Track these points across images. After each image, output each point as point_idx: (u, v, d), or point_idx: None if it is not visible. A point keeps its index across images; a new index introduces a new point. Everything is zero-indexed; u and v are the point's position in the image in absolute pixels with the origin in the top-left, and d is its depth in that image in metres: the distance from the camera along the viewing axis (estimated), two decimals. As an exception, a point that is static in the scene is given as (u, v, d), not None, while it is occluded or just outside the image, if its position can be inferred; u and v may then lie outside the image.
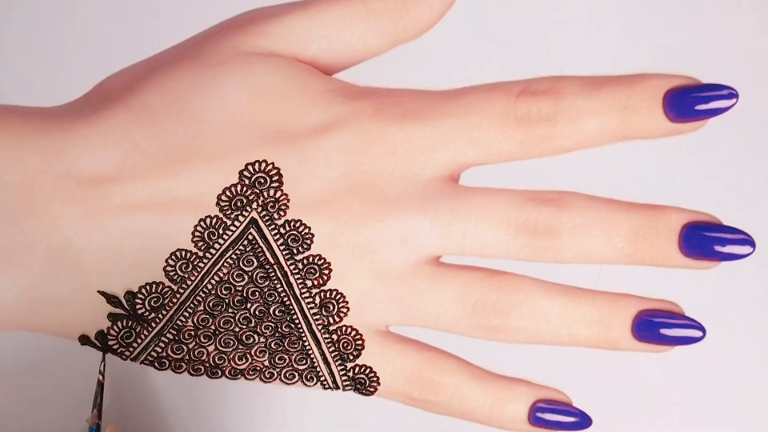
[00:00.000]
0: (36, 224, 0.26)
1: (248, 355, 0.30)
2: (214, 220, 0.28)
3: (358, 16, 0.28)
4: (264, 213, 0.28)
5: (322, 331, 0.29)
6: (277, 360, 0.30)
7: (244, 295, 0.29)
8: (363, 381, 0.30)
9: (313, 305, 0.29)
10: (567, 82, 0.27)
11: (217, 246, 0.28)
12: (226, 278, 0.28)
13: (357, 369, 0.30)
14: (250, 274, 0.29)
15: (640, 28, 0.49)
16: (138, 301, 0.28)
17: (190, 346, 0.29)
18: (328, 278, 0.29)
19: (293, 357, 0.30)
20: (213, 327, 0.29)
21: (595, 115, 0.27)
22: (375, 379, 0.30)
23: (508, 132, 0.28)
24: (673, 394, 0.50)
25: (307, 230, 0.28)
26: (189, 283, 0.28)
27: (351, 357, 0.30)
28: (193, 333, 0.29)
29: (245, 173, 0.27)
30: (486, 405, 0.30)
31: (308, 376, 0.30)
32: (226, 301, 0.29)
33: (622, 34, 0.49)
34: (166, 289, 0.28)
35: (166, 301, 0.28)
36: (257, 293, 0.29)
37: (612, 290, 0.29)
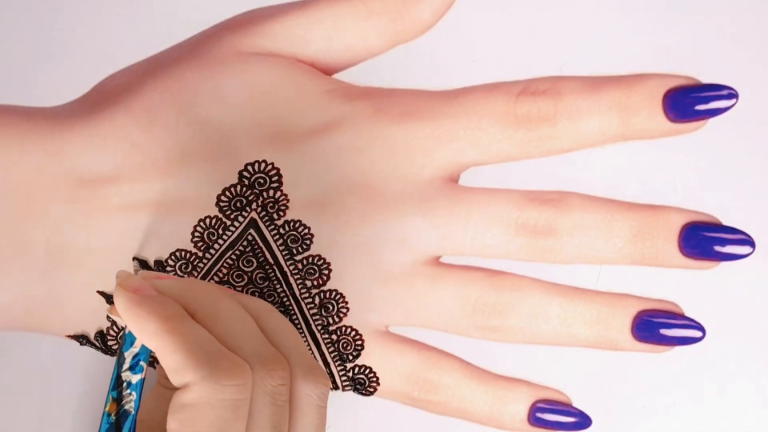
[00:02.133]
0: (35, 224, 0.26)
1: (248, 356, 0.30)
2: (214, 221, 0.28)
3: (358, 17, 0.28)
4: (263, 213, 0.28)
5: (322, 331, 0.29)
6: (276, 360, 0.30)
7: (244, 295, 0.29)
8: (363, 381, 0.30)
9: (312, 305, 0.29)
10: (567, 82, 0.27)
11: (216, 246, 0.28)
12: (226, 279, 0.28)
13: (357, 369, 0.30)
14: (249, 274, 0.29)
15: (640, 27, 0.49)
16: (138, 301, 0.28)
17: (190, 346, 0.29)
18: (328, 278, 0.29)
19: (293, 357, 0.30)
20: (213, 327, 0.29)
21: (595, 115, 0.27)
22: (375, 379, 0.30)
23: (508, 132, 0.28)
24: (673, 395, 0.50)
25: (306, 230, 0.28)
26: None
27: (350, 357, 0.30)
28: (192, 333, 0.29)
29: (245, 173, 0.27)
30: (485, 405, 0.30)
31: (308, 377, 0.30)
32: (226, 301, 0.29)
33: (621, 33, 0.49)
34: (166, 290, 0.28)
35: (165, 302, 0.28)
36: (257, 294, 0.29)
37: (612, 290, 0.29)
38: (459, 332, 0.30)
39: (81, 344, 0.29)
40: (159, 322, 0.24)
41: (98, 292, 0.28)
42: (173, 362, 0.23)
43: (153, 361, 0.29)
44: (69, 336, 0.28)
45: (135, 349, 0.25)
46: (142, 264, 0.27)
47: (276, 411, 0.24)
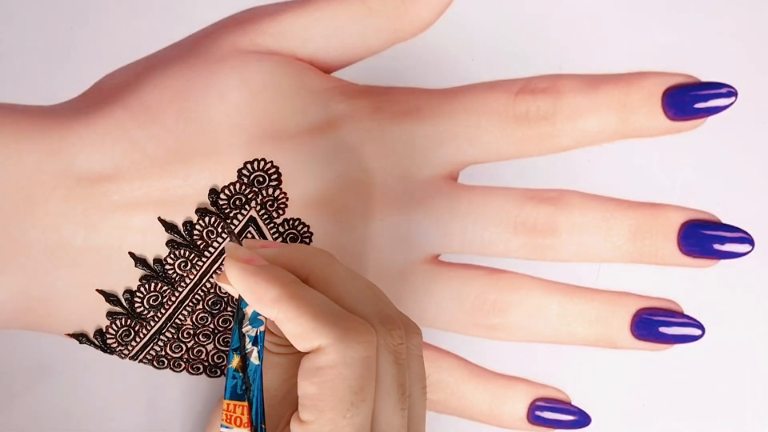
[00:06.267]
0: (35, 223, 0.26)
1: (247, 354, 0.30)
2: (213, 219, 0.28)
3: (357, 15, 0.28)
4: (263, 211, 0.28)
5: (321, 329, 0.29)
6: (275, 359, 0.30)
7: (243, 293, 0.29)
8: (362, 379, 0.30)
9: (311, 304, 0.29)
10: (566, 80, 0.27)
11: (216, 245, 0.28)
12: (225, 277, 0.28)
13: (356, 367, 0.30)
14: (248, 272, 0.29)
15: (639, 26, 0.49)
16: (137, 299, 0.28)
17: (189, 344, 0.29)
18: None
19: (292, 355, 0.30)
20: (212, 326, 0.29)
21: (594, 113, 0.27)
22: (374, 377, 0.30)
23: (507, 130, 0.28)
24: (672, 393, 0.50)
25: (305, 229, 0.28)
26: (188, 281, 0.28)
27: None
28: (192, 332, 0.29)
29: (244, 172, 0.27)
30: (485, 403, 0.30)
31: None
32: (225, 299, 0.29)
33: (621, 32, 0.49)
34: (165, 288, 0.28)
35: (164, 300, 0.28)
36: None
37: (611, 289, 0.29)
38: (458, 330, 0.30)
39: (80, 342, 0.29)
40: (278, 288, 0.23)
41: (97, 290, 0.28)
42: (299, 327, 0.23)
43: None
44: (68, 335, 0.28)
45: None
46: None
47: (400, 370, 0.24)
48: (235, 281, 0.24)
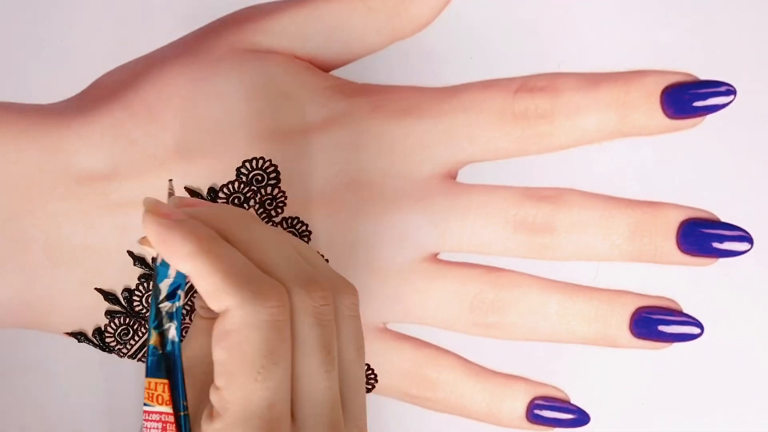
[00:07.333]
0: (34, 221, 0.26)
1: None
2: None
3: (356, 14, 0.28)
4: (261, 210, 0.28)
5: (320, 328, 0.29)
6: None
7: (242, 292, 0.29)
8: (361, 378, 0.30)
9: (310, 302, 0.29)
10: (564, 78, 0.27)
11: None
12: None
13: (355, 366, 0.30)
14: (247, 271, 0.28)
15: (638, 24, 0.49)
16: (136, 298, 0.28)
17: (188, 343, 0.29)
18: None
19: (291, 354, 0.30)
20: (211, 324, 0.29)
21: (593, 111, 0.27)
22: (373, 376, 0.30)
23: (506, 129, 0.28)
24: (671, 392, 0.50)
25: (304, 227, 0.28)
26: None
27: (349, 354, 0.30)
28: (190, 330, 0.29)
29: (242, 170, 0.27)
30: (484, 402, 0.30)
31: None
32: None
33: (620, 30, 0.49)
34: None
35: (163, 299, 0.28)
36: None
37: (610, 287, 0.29)
38: (457, 329, 0.30)
39: (79, 341, 0.29)
40: (194, 243, 0.23)
41: (96, 289, 0.28)
42: (210, 285, 0.22)
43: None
44: (67, 333, 0.28)
45: (170, 279, 0.24)
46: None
47: (323, 331, 0.24)
48: (150, 234, 0.23)
